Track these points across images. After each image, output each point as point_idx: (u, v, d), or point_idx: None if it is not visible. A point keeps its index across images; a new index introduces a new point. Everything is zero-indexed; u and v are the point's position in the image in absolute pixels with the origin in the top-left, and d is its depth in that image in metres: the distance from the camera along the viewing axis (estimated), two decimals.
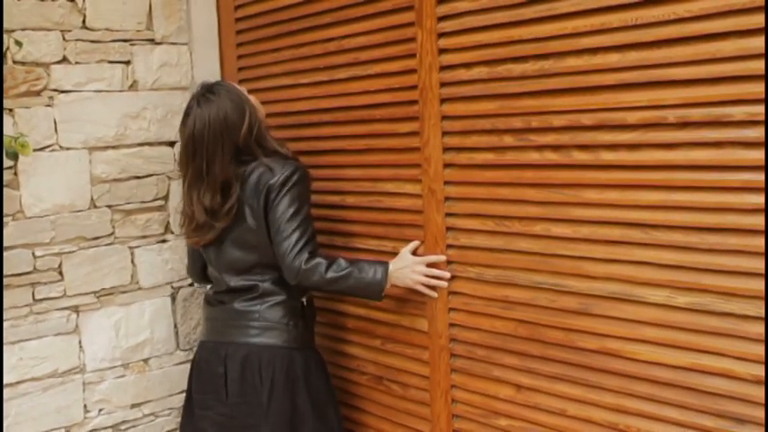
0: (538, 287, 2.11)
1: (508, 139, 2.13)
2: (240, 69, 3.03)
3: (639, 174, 1.87)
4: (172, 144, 3.03)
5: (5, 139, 2.44)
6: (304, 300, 2.50)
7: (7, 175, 2.66)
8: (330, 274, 2.31)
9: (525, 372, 2.17)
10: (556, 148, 2.03)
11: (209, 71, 3.07)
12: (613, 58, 1.88)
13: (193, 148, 2.37)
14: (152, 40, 2.98)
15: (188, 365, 2.96)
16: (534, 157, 2.08)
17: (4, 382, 2.68)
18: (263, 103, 2.83)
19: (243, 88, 2.53)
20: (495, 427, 2.26)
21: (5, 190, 2.65)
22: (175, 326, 3.08)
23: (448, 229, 2.32)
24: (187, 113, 2.41)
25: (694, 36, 1.72)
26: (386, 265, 2.35)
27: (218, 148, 2.34)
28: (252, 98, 2.49)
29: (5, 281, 2.66)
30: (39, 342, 2.76)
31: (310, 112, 2.74)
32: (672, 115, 1.78)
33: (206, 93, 2.39)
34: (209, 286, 2.72)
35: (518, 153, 2.12)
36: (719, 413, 1.78)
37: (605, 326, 1.98)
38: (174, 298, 3.07)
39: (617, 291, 1.94)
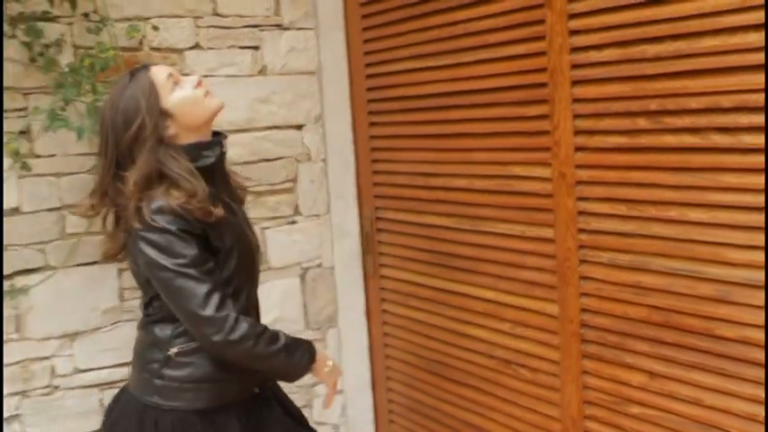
0: (673, 273, 2.05)
1: (642, 122, 2.08)
2: (366, 53, 3.05)
3: None
4: (300, 127, 3.09)
5: None
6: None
7: None
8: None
9: (659, 359, 2.12)
10: (693, 130, 1.97)
11: (336, 55, 3.11)
12: (753, 38, 1.81)
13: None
14: (280, 26, 3.04)
15: (318, 344, 3.04)
16: (670, 140, 2.02)
17: None
18: (389, 87, 2.86)
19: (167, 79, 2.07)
20: (628, 414, 2.23)
21: None
22: (304, 305, 3.15)
23: (579, 213, 2.28)
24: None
25: None
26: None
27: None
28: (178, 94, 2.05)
29: None
30: None
31: (437, 96, 2.73)
32: None
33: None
34: None
35: (653, 136, 2.06)
36: None
37: (745, 314, 1.91)
38: (303, 278, 3.14)
39: (757, 278, 1.87)
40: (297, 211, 3.11)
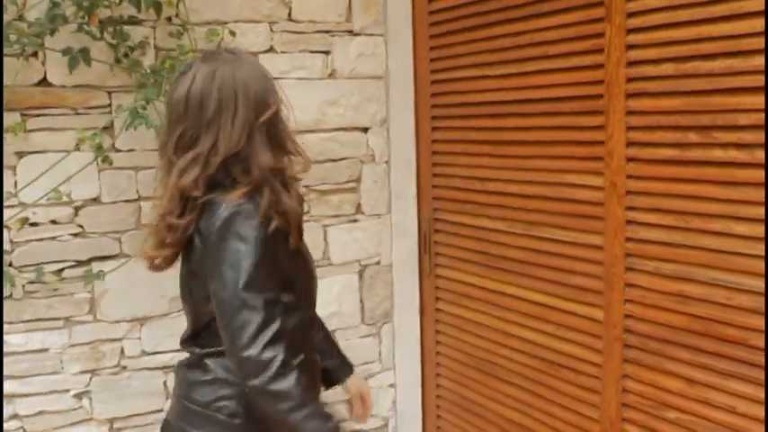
0: (714, 284, 2.12)
1: (692, 136, 2.15)
2: (432, 60, 3.16)
3: None
4: (365, 130, 3.22)
5: None
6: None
7: None
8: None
9: (698, 367, 2.19)
10: (740, 146, 2.04)
11: (403, 61, 3.23)
12: None
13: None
14: (351, 32, 3.17)
15: (372, 339, 3.20)
16: (718, 154, 2.09)
17: None
18: (452, 93, 2.97)
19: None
20: (664, 418, 2.30)
21: None
22: (361, 301, 3.28)
23: (627, 222, 2.36)
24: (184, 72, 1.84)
25: None
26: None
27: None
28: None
29: None
30: None
31: (497, 104, 2.83)
32: None
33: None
34: None
35: (702, 150, 2.13)
36: None
37: None
38: (361, 275, 3.27)
39: None
40: (359, 210, 3.24)
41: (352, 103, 3.19)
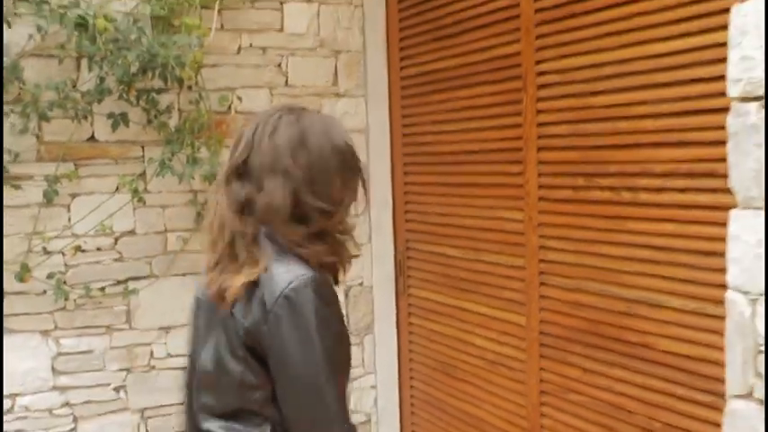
0: (598, 293, 2.79)
1: (581, 181, 2.83)
2: (404, 116, 3.87)
3: (663, 210, 2.52)
4: None
5: None
6: None
7: None
8: None
9: (589, 358, 2.85)
10: (612, 189, 2.71)
11: (380, 118, 3.94)
12: (648, 123, 2.55)
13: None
14: (337, 94, 3.88)
15: (356, 348, 3.88)
16: (597, 195, 2.77)
17: None
18: (420, 144, 3.68)
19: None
20: (567, 399, 2.96)
21: None
22: (347, 315, 3.95)
23: (540, 247, 3.04)
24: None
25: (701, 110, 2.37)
26: None
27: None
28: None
29: None
30: None
31: (453, 153, 3.53)
32: (684, 168, 2.43)
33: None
34: None
35: (586, 192, 2.81)
36: (710, 391, 2.39)
37: (644, 325, 2.63)
38: (346, 294, 3.95)
39: (654, 298, 2.59)
40: None
41: None
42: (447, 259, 3.64)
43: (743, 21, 1.95)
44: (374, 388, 4.04)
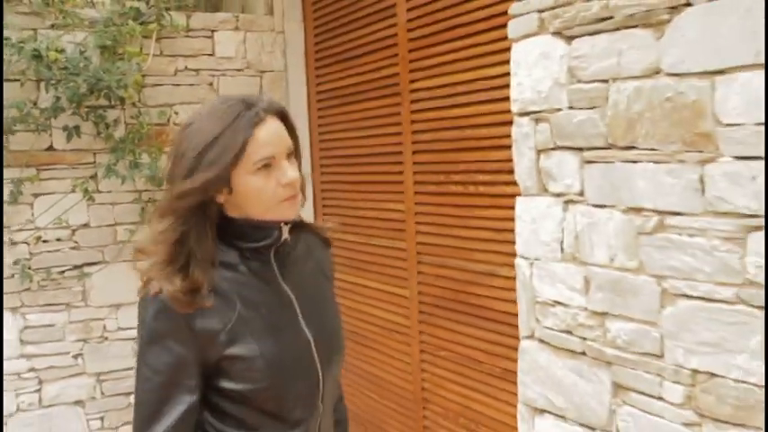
0: (456, 267, 3.48)
1: (441, 178, 3.53)
2: (320, 125, 4.56)
3: (495, 200, 3.21)
4: None
5: None
6: None
7: None
8: None
9: (453, 321, 3.54)
10: (462, 183, 3.40)
11: (301, 125, 4.57)
12: (484, 131, 3.24)
13: None
14: None
15: None
16: (453, 188, 3.46)
17: None
18: (334, 147, 4.37)
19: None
20: (440, 356, 3.65)
21: None
22: None
23: (417, 232, 3.73)
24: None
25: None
26: None
27: None
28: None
29: None
30: None
31: (356, 156, 4.22)
32: (507, 166, 3.12)
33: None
34: None
35: (446, 186, 3.50)
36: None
37: (486, 290, 3.32)
38: None
39: (493, 270, 3.28)
40: None
41: None
42: (349, 244, 4.32)
43: (518, 56, 2.65)
44: None
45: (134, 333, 3.93)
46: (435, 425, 3.72)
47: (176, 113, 4.32)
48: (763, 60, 1.87)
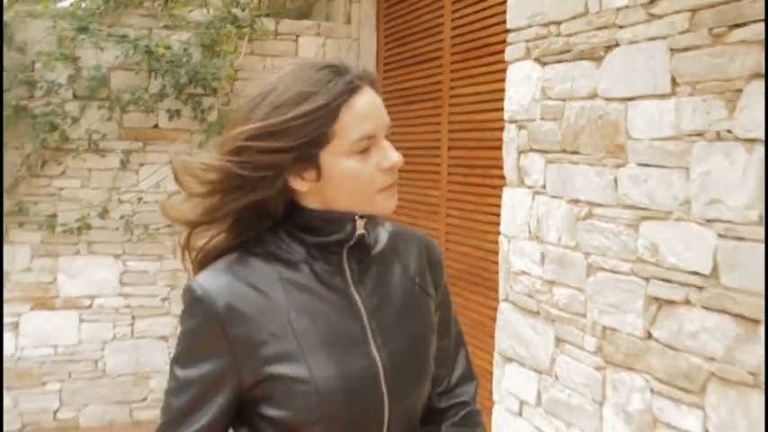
0: (471, 245, 4.16)
1: (466, 170, 4.21)
2: None
3: (488, 189, 3.88)
4: None
5: None
6: None
7: None
8: None
9: (467, 290, 4.22)
10: (479, 176, 4.07)
11: None
12: (497, 134, 3.91)
13: None
14: None
15: None
16: (474, 179, 4.14)
17: None
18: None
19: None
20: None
21: None
22: None
23: (447, 215, 4.42)
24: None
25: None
26: None
27: None
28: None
29: None
30: None
31: (406, 149, 4.94)
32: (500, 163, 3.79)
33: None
34: None
35: (469, 177, 4.18)
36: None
37: (491, 266, 3.99)
38: None
39: (493, 248, 3.94)
40: None
41: None
42: (411, 228, 5.04)
43: (510, 75, 3.32)
44: None
45: None
46: None
47: None
48: (661, 92, 2.49)
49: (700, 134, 2.34)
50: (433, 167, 4.58)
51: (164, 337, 5.10)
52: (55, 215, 4.81)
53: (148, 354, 5.07)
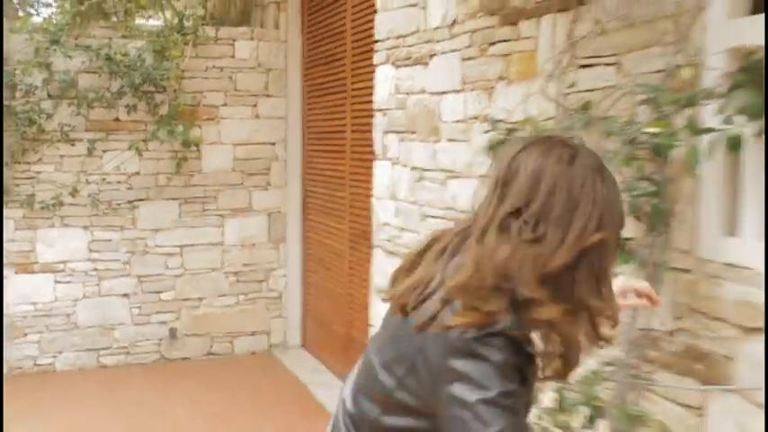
0: (363, 208, 5.22)
1: (361, 148, 5.26)
2: (308, 109, 6.34)
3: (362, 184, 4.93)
4: (273, 144, 6.40)
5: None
6: None
7: None
8: None
9: (366, 246, 5.28)
10: (368, 153, 5.13)
11: (294, 109, 6.41)
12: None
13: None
14: (267, 95, 6.36)
15: (275, 250, 6.46)
16: (367, 156, 5.19)
17: None
18: (320, 126, 6.20)
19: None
20: (358, 271, 5.40)
21: None
22: (269, 230, 6.46)
23: (350, 186, 5.47)
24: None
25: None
26: None
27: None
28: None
29: None
30: None
31: (323, 132, 5.98)
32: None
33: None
34: None
35: (362, 154, 5.24)
36: None
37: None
38: (270, 216, 6.43)
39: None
40: (269, 184, 6.43)
41: (268, 129, 6.39)
42: (318, 194, 6.10)
43: (378, 75, 4.36)
44: (284, 276, 6.54)
45: (165, 249, 5.84)
46: (349, 309, 5.47)
47: (204, 97, 6.15)
48: (457, 88, 3.54)
49: (476, 117, 3.41)
50: (340, 147, 5.63)
51: (125, 295, 6.13)
52: (33, 195, 5.82)
53: (113, 309, 6.10)
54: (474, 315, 1.34)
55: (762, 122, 2.02)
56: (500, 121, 3.00)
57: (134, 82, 5.82)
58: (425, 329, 1.40)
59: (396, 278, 1.58)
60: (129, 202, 6.09)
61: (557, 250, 1.36)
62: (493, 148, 2.71)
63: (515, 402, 1.34)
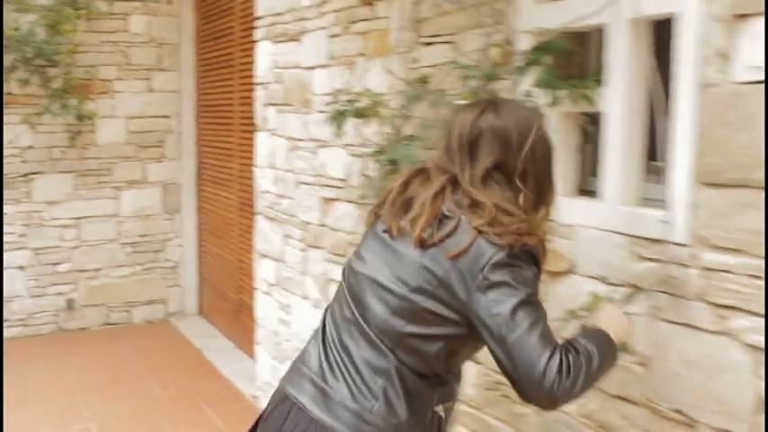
0: (249, 177, 5.46)
1: (248, 120, 5.49)
2: (200, 83, 6.52)
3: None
4: (168, 117, 6.57)
5: None
6: None
7: None
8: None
9: (252, 212, 5.53)
10: (251, 125, 5.36)
11: (188, 84, 6.58)
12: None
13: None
14: (161, 69, 6.52)
15: (171, 221, 6.65)
16: (252, 127, 5.43)
17: None
18: (212, 100, 6.36)
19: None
20: (247, 239, 5.66)
21: None
22: (164, 201, 6.65)
23: (240, 156, 5.70)
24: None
25: None
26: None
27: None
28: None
29: None
30: None
31: (213, 105, 6.18)
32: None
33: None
34: None
35: (250, 126, 5.47)
36: None
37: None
38: (165, 188, 6.62)
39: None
40: (163, 156, 6.60)
41: (162, 103, 6.55)
42: (222, 171, 6.31)
43: (259, 50, 4.60)
44: (181, 246, 6.74)
45: (60, 222, 5.95)
46: (240, 275, 5.72)
47: (98, 71, 6.28)
48: (324, 63, 3.81)
49: (340, 90, 3.68)
50: (229, 120, 5.85)
51: (21, 267, 6.25)
52: None
53: (10, 281, 6.21)
54: (506, 238, 1.72)
55: (554, 93, 2.34)
56: (340, 91, 3.29)
57: (26, 56, 5.91)
58: (462, 256, 1.73)
59: (382, 214, 1.93)
60: (24, 175, 6.19)
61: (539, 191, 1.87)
62: (335, 118, 2.99)
63: (538, 299, 1.74)
